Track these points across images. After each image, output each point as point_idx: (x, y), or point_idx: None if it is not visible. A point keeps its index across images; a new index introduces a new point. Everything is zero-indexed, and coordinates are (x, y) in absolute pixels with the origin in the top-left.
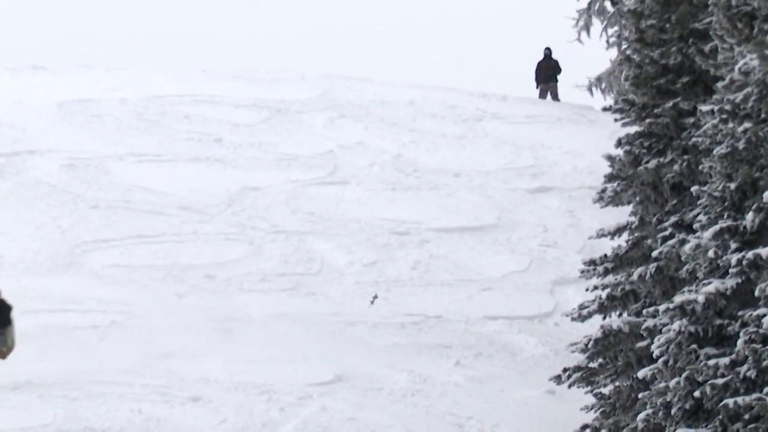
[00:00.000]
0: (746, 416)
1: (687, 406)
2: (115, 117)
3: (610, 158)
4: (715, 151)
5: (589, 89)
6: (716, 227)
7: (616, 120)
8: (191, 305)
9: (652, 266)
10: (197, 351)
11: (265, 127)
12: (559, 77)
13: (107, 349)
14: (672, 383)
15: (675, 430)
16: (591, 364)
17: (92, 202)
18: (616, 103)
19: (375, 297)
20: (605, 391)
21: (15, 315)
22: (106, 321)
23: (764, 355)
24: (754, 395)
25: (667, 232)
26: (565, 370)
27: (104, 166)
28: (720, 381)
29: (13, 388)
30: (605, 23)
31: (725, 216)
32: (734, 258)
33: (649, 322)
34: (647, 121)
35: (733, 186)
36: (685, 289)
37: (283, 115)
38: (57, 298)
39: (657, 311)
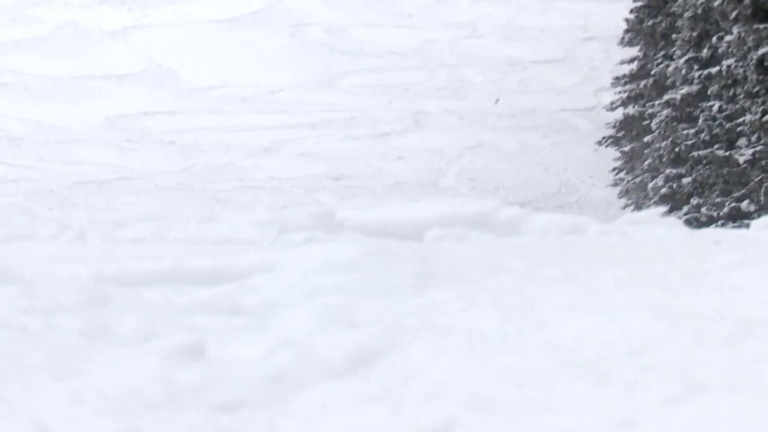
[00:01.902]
0: (704, 162)
1: (671, 156)
2: None
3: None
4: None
5: None
6: (685, 57)
7: None
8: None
9: (650, 79)
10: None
11: None
12: None
13: None
14: (662, 144)
15: (665, 169)
16: (618, 134)
17: None
18: None
19: (497, 100)
20: (626, 149)
21: None
22: None
23: (712, 128)
24: (708, 150)
25: (658, 60)
26: (603, 137)
27: None
28: (690, 142)
29: None
30: None
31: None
32: (697, 73)
33: (650, 110)
34: None
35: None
36: (669, 91)
37: None
38: None
39: (654, 104)
